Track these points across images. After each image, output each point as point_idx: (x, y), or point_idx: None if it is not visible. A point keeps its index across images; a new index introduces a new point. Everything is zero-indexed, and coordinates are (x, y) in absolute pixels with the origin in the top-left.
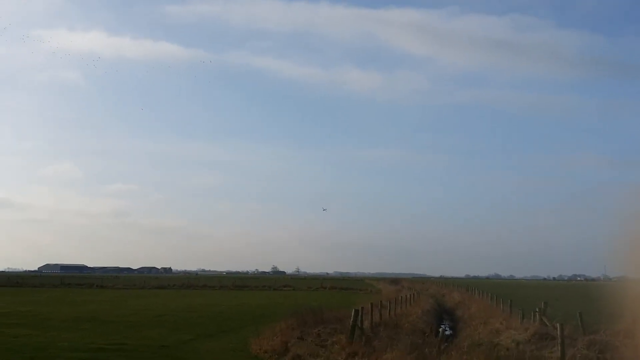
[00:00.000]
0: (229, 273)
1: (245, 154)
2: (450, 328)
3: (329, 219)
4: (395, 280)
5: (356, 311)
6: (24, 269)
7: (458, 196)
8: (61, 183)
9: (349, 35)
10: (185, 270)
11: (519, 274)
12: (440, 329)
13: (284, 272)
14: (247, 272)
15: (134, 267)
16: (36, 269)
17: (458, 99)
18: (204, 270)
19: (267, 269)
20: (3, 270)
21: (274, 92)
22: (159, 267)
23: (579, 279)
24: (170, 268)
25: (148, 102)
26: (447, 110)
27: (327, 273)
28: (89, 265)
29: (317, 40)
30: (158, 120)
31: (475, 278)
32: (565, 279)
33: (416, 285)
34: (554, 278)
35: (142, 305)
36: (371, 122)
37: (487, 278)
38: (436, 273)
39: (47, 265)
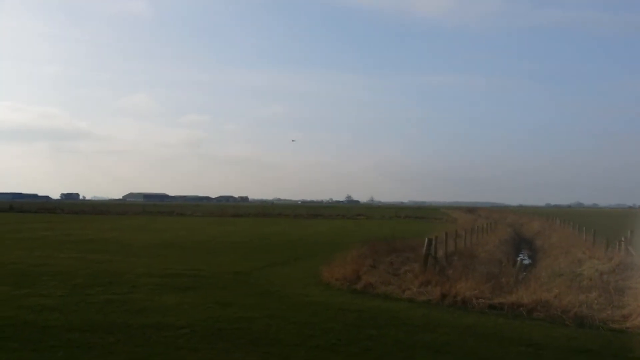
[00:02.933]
0: (303, 202)
1: (315, 84)
2: (529, 258)
3: (404, 147)
4: (471, 210)
5: (429, 240)
6: (110, 198)
7: (537, 123)
8: (139, 114)
9: None
10: (262, 199)
11: (602, 202)
12: (518, 259)
13: (358, 202)
14: (321, 202)
15: (213, 196)
16: (121, 197)
17: (534, 21)
18: (279, 199)
19: (342, 198)
20: (90, 198)
21: (341, 19)
22: (236, 196)
23: None
24: (247, 197)
25: (216, 32)
26: (522, 34)
27: (402, 202)
28: (170, 194)
29: None
30: (228, 51)
31: (556, 207)
32: None
33: (493, 214)
34: None
35: (219, 232)
36: (441, 47)
37: (569, 207)
38: (514, 202)
39: (130, 194)
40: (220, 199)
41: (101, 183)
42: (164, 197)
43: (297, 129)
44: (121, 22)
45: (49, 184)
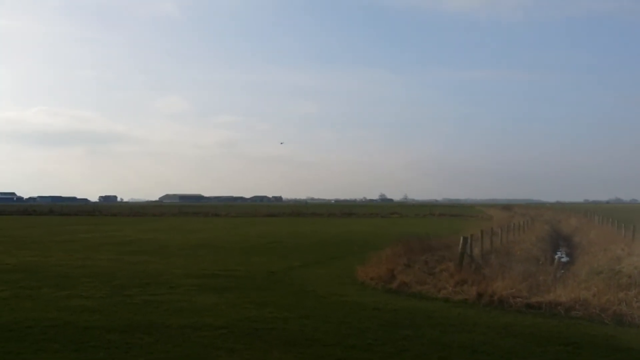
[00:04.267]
0: (337, 201)
1: (347, 82)
2: (567, 255)
3: (438, 144)
4: (507, 207)
5: (465, 238)
6: (147, 200)
7: (574, 116)
8: (173, 116)
9: None
10: (295, 198)
11: None
12: (556, 257)
13: (391, 200)
14: (354, 200)
15: (247, 196)
16: (157, 199)
17: (568, 13)
18: (312, 199)
19: (375, 196)
20: (127, 200)
21: (367, 14)
22: (270, 196)
23: None
24: (280, 197)
25: (248, 32)
26: (555, 26)
27: (436, 200)
28: (205, 195)
29: None
30: (260, 51)
31: (595, 203)
32: None
33: (530, 211)
34: None
35: (253, 232)
36: (472, 42)
37: (608, 202)
38: (552, 198)
39: (167, 196)
40: (255, 199)
41: (138, 185)
42: (199, 198)
43: (330, 127)
44: (153, 25)
45: (87, 187)
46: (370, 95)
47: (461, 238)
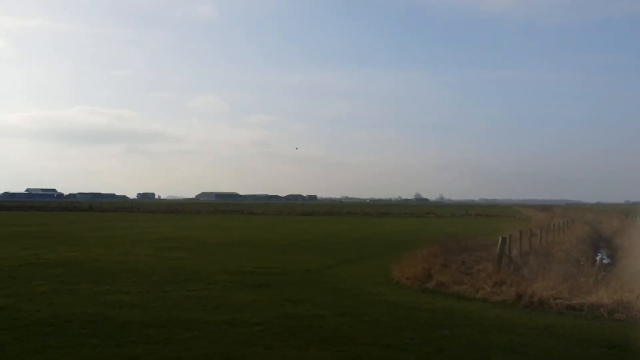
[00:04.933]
0: (372, 200)
1: (382, 81)
2: (608, 257)
3: (475, 144)
4: (545, 207)
5: (503, 239)
6: (183, 197)
7: (615, 116)
8: (209, 115)
9: None
10: (330, 197)
11: None
12: (597, 258)
13: (427, 200)
14: (390, 200)
15: (282, 195)
16: (194, 196)
17: (606, 13)
18: (347, 198)
19: (410, 196)
20: (165, 198)
21: (403, 15)
22: (305, 195)
23: None
24: (315, 195)
25: (282, 32)
26: (593, 26)
27: (473, 200)
28: (240, 193)
29: None
30: (294, 51)
31: (637, 203)
32: None
33: (569, 212)
34: None
35: (289, 231)
36: (508, 41)
37: None
38: (592, 199)
39: (203, 193)
40: (290, 197)
41: (175, 183)
42: (235, 196)
43: (365, 127)
44: (191, 25)
45: (126, 184)
46: (405, 95)
47: (499, 238)
